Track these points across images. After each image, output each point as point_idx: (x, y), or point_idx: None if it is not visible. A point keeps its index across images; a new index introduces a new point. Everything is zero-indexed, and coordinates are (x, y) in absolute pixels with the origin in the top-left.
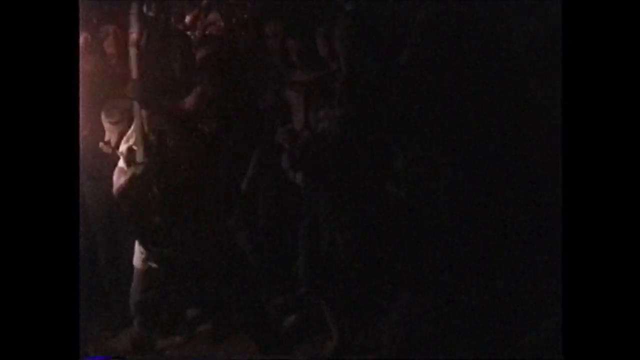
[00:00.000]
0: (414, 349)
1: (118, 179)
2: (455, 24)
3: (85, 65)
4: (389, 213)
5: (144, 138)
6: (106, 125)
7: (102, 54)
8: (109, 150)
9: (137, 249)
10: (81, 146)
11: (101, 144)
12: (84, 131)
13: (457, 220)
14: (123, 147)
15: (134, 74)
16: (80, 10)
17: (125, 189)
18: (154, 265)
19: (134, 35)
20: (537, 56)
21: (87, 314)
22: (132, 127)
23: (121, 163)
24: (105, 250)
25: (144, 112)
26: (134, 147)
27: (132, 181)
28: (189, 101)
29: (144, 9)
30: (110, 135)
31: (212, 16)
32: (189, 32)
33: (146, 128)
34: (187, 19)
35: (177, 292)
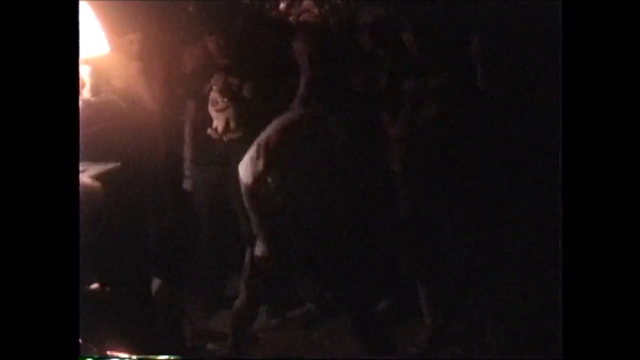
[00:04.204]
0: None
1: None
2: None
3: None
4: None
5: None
6: (212, 113)
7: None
8: (216, 136)
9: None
10: (190, 132)
11: (209, 130)
12: (189, 119)
13: (455, 219)
14: None
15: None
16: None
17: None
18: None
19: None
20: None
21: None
22: None
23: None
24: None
25: None
26: None
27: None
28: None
29: None
30: (217, 122)
31: (307, 3)
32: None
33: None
34: (282, 5)
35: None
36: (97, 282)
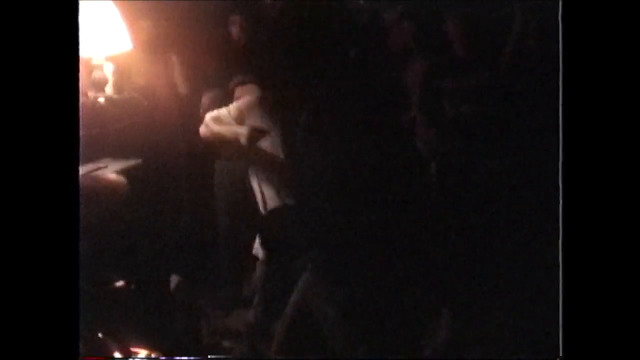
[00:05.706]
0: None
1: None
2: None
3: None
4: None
5: None
6: None
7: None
8: None
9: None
10: None
11: None
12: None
13: (455, 219)
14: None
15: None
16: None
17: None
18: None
19: None
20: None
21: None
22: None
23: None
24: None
25: None
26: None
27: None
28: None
29: None
30: None
31: None
32: None
33: None
34: None
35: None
36: (118, 278)
